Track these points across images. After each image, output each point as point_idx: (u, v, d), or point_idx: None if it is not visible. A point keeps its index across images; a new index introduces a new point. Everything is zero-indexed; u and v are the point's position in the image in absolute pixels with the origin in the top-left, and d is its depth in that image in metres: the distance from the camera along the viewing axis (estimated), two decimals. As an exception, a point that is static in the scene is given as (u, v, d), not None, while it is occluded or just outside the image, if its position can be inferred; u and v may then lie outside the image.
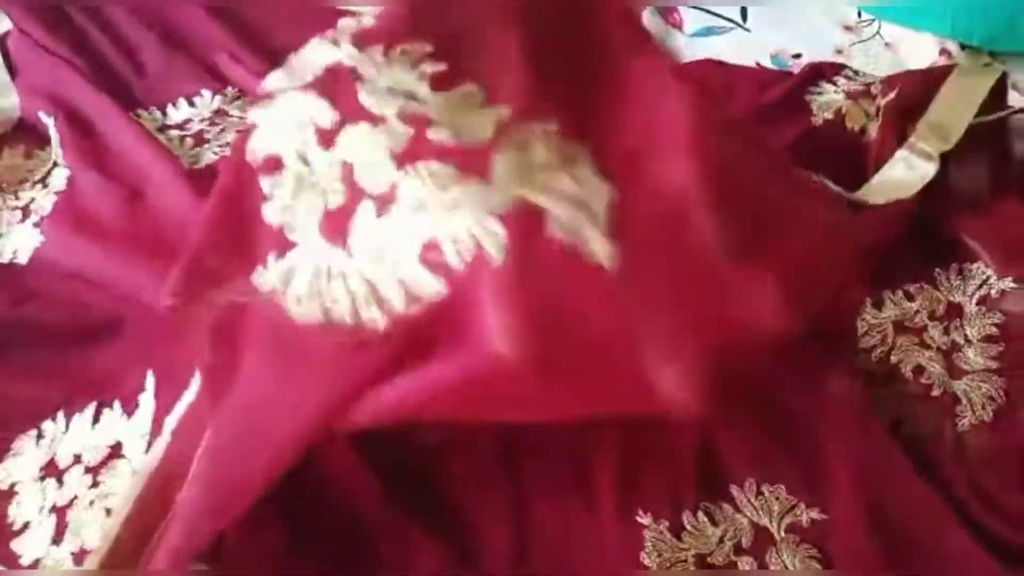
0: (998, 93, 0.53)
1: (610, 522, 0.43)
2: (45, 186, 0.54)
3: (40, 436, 0.44)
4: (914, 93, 0.54)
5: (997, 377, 0.48)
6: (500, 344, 0.33)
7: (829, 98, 0.58)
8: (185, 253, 0.39)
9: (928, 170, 0.51)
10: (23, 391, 0.45)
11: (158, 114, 0.58)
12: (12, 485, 0.43)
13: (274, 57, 0.58)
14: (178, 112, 0.58)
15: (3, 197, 0.54)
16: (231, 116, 0.58)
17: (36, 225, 0.52)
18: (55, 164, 0.55)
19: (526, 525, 0.43)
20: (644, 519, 0.43)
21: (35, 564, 0.40)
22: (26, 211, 0.54)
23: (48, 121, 0.56)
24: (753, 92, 0.60)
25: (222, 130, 0.56)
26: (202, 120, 0.57)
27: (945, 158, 0.52)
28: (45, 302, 0.49)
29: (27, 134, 0.57)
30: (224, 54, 0.61)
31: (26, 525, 0.41)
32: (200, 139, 0.56)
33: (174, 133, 0.56)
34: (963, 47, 0.57)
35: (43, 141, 0.57)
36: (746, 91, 0.60)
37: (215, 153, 0.55)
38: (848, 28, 0.66)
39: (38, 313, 0.48)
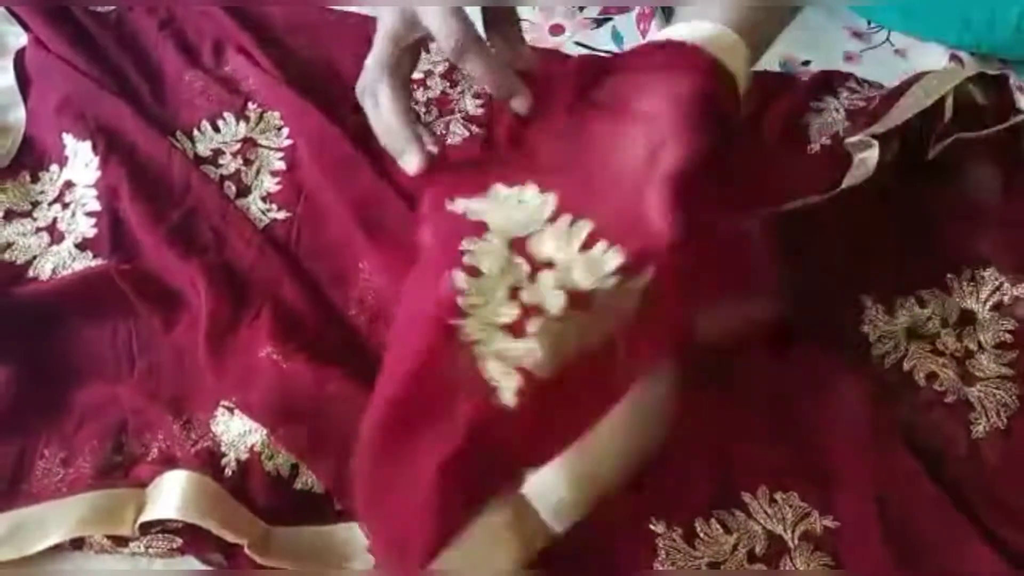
0: (1005, 97, 0.53)
1: (623, 530, 0.43)
2: (65, 206, 0.55)
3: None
4: (880, 107, 0.54)
5: (1011, 384, 0.48)
6: None
7: (828, 118, 0.58)
8: None
9: (869, 155, 0.50)
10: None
11: (187, 142, 0.58)
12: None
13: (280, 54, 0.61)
14: (204, 139, 0.58)
15: (20, 223, 0.55)
16: (260, 146, 0.58)
17: (80, 247, 0.53)
18: (68, 183, 0.56)
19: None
20: (657, 527, 0.43)
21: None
22: (52, 232, 0.54)
23: (76, 143, 0.56)
24: (758, 99, 0.60)
25: (258, 171, 0.57)
26: (233, 154, 0.58)
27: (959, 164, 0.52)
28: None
29: (30, 155, 0.57)
30: (231, 46, 0.62)
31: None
32: (240, 184, 0.57)
33: (212, 172, 0.57)
34: (972, 53, 0.57)
35: (46, 161, 0.57)
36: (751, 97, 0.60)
37: (262, 211, 0.56)
38: (857, 35, 0.66)
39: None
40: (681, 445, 0.46)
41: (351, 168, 0.56)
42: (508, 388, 0.35)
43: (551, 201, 0.39)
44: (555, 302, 0.37)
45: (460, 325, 0.37)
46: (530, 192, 0.40)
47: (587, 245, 0.37)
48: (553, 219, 0.39)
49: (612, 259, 0.37)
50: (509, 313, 0.37)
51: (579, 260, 0.37)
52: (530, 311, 0.37)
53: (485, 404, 0.35)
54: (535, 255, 0.38)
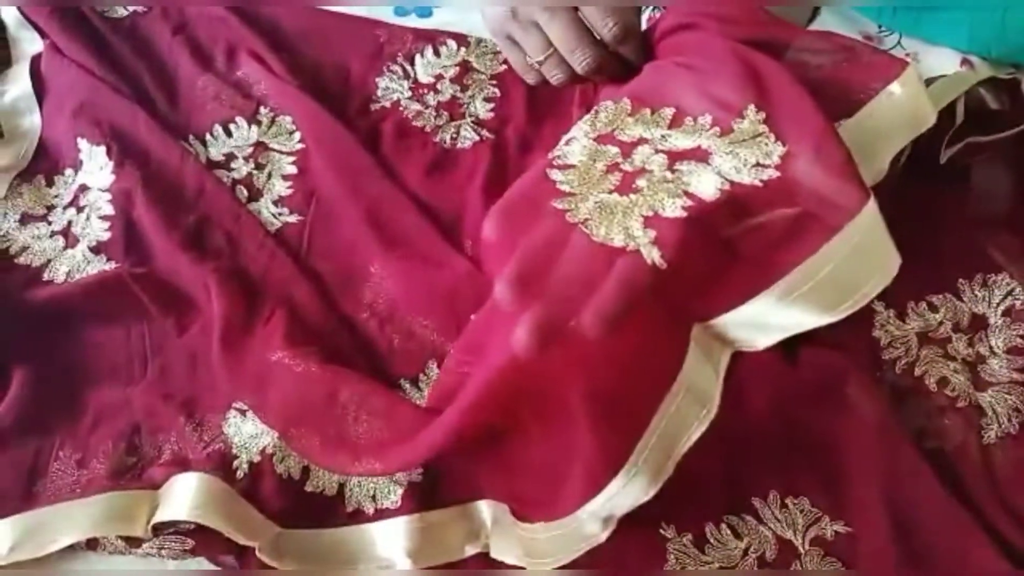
0: (1017, 102, 0.52)
1: (633, 535, 0.43)
2: (80, 210, 0.56)
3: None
4: None
5: (1023, 389, 0.48)
6: None
7: None
8: None
9: None
10: None
11: (200, 147, 0.59)
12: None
13: (292, 58, 0.61)
14: (217, 144, 0.59)
15: (36, 227, 0.55)
16: (272, 150, 0.59)
17: (94, 250, 0.54)
18: (83, 187, 0.56)
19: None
20: (667, 532, 0.44)
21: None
22: (67, 235, 0.55)
23: (90, 147, 0.57)
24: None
25: (270, 175, 0.58)
26: (245, 158, 0.58)
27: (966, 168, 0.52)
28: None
29: (45, 159, 0.58)
30: (244, 51, 0.62)
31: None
32: (252, 188, 0.57)
33: (224, 176, 0.57)
34: (984, 58, 0.56)
35: (61, 165, 0.58)
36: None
37: (273, 215, 0.56)
38: (868, 38, 0.66)
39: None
40: (691, 450, 0.46)
41: (362, 172, 0.56)
42: (646, 243, 0.36)
43: (626, 101, 0.42)
44: (659, 160, 0.39)
45: (566, 209, 0.38)
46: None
47: (674, 125, 0.40)
48: (632, 113, 0.42)
49: (704, 124, 0.39)
50: (612, 181, 0.39)
51: (671, 133, 0.40)
52: (633, 175, 0.39)
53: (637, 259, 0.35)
54: (624, 139, 0.41)
